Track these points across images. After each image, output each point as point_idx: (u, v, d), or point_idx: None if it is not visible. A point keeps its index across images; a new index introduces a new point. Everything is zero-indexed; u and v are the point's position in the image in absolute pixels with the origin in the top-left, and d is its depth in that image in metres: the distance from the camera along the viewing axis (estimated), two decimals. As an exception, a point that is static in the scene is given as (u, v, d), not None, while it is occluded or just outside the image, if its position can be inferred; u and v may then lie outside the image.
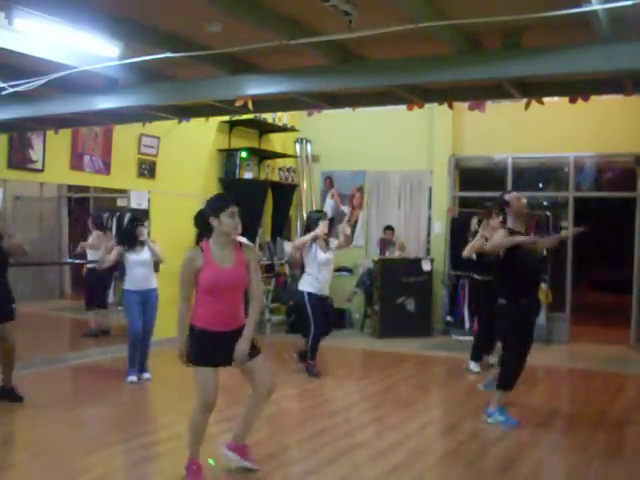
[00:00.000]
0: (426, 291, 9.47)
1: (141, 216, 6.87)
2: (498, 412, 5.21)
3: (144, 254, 6.54)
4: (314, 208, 10.43)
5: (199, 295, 3.85)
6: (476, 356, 7.20)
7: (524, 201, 5.31)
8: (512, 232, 5.17)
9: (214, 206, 3.85)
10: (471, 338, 7.53)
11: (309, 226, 6.91)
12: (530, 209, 9.18)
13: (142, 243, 6.53)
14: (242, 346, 3.85)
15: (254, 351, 3.97)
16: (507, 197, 5.30)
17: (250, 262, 3.94)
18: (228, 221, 3.81)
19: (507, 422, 5.17)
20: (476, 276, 7.15)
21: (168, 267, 7.22)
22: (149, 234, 6.70)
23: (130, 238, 6.47)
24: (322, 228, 6.77)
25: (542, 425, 5.31)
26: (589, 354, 8.48)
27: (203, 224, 3.87)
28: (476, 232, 7.19)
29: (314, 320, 6.79)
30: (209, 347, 3.81)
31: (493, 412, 5.23)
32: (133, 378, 6.45)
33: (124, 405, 5.92)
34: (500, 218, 5.58)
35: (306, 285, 6.82)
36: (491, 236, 6.50)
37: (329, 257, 6.86)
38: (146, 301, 6.55)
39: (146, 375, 6.66)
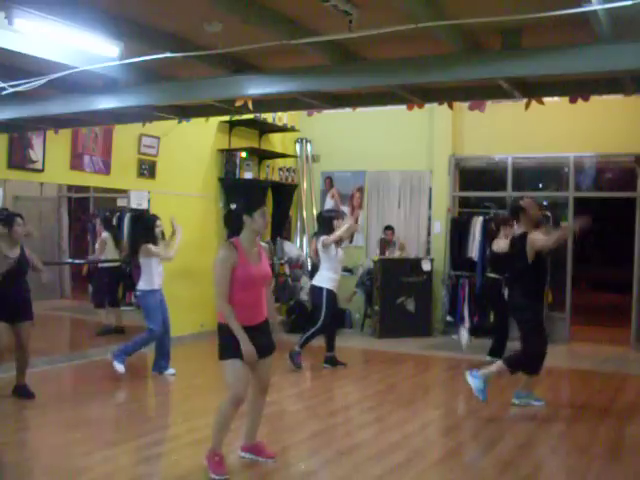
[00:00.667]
0: (426, 291, 9.46)
1: (153, 217, 6.84)
2: (483, 380, 5.39)
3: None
4: (314, 208, 10.44)
5: (231, 292, 3.94)
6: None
7: (539, 211, 5.52)
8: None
9: (248, 205, 4.05)
10: (470, 338, 7.60)
11: (324, 225, 7.09)
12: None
13: (156, 241, 6.60)
14: (279, 334, 4.26)
15: (273, 349, 4.18)
16: (523, 203, 5.39)
17: (267, 260, 4.21)
18: (260, 220, 4.02)
19: (481, 392, 5.36)
20: (491, 274, 7.26)
21: (172, 266, 7.23)
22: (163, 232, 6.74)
23: (152, 237, 6.54)
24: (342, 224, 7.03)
25: (542, 425, 5.31)
26: (589, 354, 8.47)
27: (235, 222, 4.06)
28: (491, 233, 7.39)
29: (325, 316, 6.96)
30: (238, 343, 3.91)
31: (480, 376, 5.41)
32: (122, 368, 6.41)
33: (125, 405, 5.92)
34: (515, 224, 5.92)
35: (326, 282, 7.01)
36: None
37: (342, 254, 7.19)
38: (161, 300, 6.63)
39: (171, 371, 6.74)
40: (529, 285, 5.41)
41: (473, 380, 5.41)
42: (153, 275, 6.54)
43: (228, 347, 3.94)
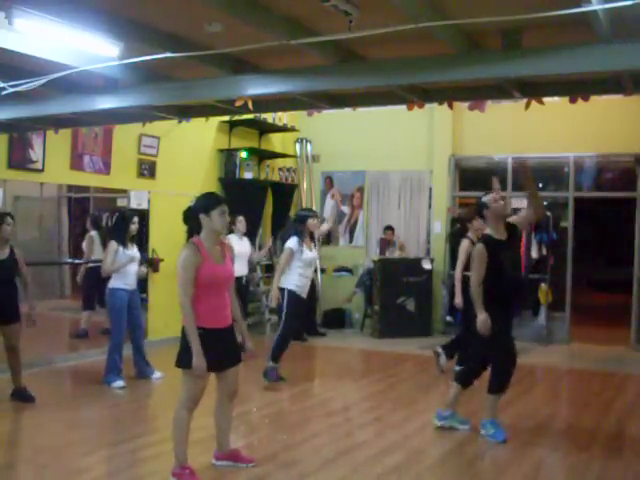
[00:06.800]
0: (426, 291, 9.46)
1: (131, 213, 6.63)
2: (490, 423, 4.90)
3: (135, 252, 6.47)
4: (314, 208, 10.43)
5: (197, 294, 3.83)
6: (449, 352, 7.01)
7: (502, 202, 4.91)
8: (487, 240, 4.86)
9: (205, 204, 3.89)
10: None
11: (296, 224, 6.54)
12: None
13: (133, 240, 6.46)
14: (250, 343, 4.20)
15: (240, 358, 4.08)
16: (484, 199, 4.87)
17: (232, 260, 4.08)
18: (219, 219, 3.86)
19: (495, 436, 4.84)
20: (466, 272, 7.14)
21: (170, 266, 7.20)
22: (146, 233, 6.59)
23: (122, 235, 6.35)
24: (311, 227, 6.49)
25: (542, 425, 5.31)
26: (589, 354, 8.48)
27: (193, 221, 3.91)
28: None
29: (288, 319, 6.37)
30: (211, 350, 3.80)
31: (486, 423, 4.94)
32: (121, 383, 6.27)
33: (123, 405, 5.92)
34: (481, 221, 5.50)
35: (289, 282, 6.38)
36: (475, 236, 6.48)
37: (314, 256, 6.57)
38: (132, 300, 6.42)
39: (157, 375, 6.62)
40: (486, 292, 4.88)
41: (484, 430, 4.90)
42: (122, 273, 6.30)
43: (190, 354, 3.78)
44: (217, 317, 3.88)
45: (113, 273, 6.31)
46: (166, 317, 6.84)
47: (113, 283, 6.35)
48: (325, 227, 7.22)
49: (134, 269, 6.45)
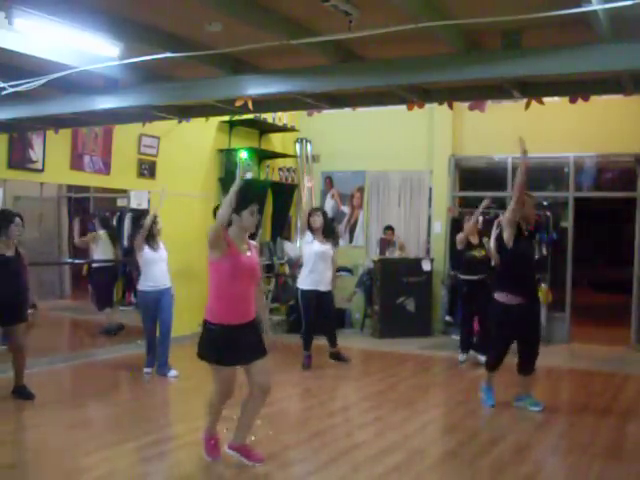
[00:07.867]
0: (426, 291, 9.46)
1: (156, 214, 6.83)
2: (485, 390, 5.69)
3: (162, 251, 6.60)
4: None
5: (217, 284, 3.92)
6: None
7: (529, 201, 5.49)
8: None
9: (237, 203, 3.96)
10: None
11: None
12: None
13: (155, 239, 6.56)
14: (269, 339, 4.17)
15: (264, 350, 4.11)
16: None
17: (257, 255, 4.17)
18: (249, 218, 3.97)
19: (485, 401, 5.66)
20: (460, 276, 7.37)
21: (172, 266, 7.22)
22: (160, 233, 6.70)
23: (149, 235, 6.51)
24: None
25: (542, 425, 5.31)
26: (589, 354, 8.47)
27: None
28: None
29: (304, 316, 6.97)
30: (229, 345, 3.89)
31: (483, 387, 5.73)
32: (148, 370, 6.65)
33: (125, 405, 5.92)
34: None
35: (301, 282, 6.93)
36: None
37: (325, 250, 6.90)
38: (160, 300, 6.55)
39: (172, 373, 6.70)
40: (498, 280, 5.73)
41: (481, 392, 5.79)
42: (147, 274, 6.49)
43: (210, 351, 3.90)
44: (238, 312, 3.94)
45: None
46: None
47: (140, 284, 6.55)
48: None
49: (161, 269, 6.57)
